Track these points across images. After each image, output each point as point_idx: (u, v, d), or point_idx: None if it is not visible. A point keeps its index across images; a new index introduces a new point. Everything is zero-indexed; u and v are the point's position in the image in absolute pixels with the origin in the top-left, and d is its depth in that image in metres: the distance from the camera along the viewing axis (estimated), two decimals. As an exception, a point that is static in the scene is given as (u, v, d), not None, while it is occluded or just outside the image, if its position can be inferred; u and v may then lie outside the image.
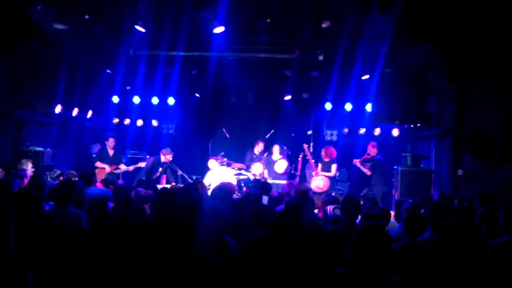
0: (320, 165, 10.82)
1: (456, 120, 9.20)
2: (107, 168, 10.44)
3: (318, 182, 10.51)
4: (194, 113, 14.42)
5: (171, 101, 13.38)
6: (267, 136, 12.59)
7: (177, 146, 12.72)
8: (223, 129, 12.93)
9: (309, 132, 13.17)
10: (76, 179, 7.52)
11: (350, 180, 13.20)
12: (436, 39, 8.51)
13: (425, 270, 3.74)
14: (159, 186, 8.58)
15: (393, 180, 10.80)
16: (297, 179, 11.25)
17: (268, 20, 8.10)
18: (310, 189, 10.00)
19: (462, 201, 7.38)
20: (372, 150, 11.02)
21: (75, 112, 11.60)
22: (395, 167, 10.52)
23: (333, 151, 10.90)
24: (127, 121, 14.19)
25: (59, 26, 8.09)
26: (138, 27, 8.27)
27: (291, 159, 12.00)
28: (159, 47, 9.93)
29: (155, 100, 13.31)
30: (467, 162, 8.86)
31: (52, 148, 11.05)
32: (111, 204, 5.81)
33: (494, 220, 5.33)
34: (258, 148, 11.86)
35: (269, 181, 10.04)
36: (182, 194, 5.66)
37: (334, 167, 10.82)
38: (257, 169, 11.40)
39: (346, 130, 13.51)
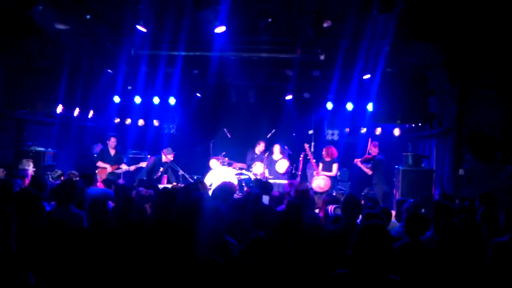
0: (321, 165, 10.82)
1: (457, 120, 9.20)
2: (109, 168, 10.45)
3: (319, 181, 10.50)
4: (195, 113, 14.44)
5: (172, 101, 13.38)
6: (268, 136, 12.61)
7: (178, 146, 12.72)
8: (224, 129, 12.94)
9: (310, 132, 13.18)
10: (77, 179, 7.52)
11: (351, 180, 13.21)
12: (436, 39, 8.51)
13: (426, 270, 3.74)
14: (160, 186, 8.59)
15: (394, 179, 10.80)
16: (298, 179, 11.25)
17: (269, 20, 8.11)
18: (311, 188, 10.02)
19: (463, 201, 7.38)
20: (373, 150, 11.02)
21: (76, 112, 11.62)
22: (396, 166, 10.52)
23: (334, 151, 10.90)
24: (128, 121, 14.23)
25: (61, 26, 8.09)
26: (139, 27, 8.27)
27: (292, 159, 12.00)
28: (160, 47, 9.93)
29: (156, 100, 13.32)
30: (468, 162, 8.86)
31: (54, 148, 11.05)
32: (112, 204, 5.83)
33: (495, 220, 5.33)
34: (259, 147, 11.88)
35: (270, 180, 10.04)
36: (183, 194, 5.67)
37: (335, 166, 10.82)
38: (258, 169, 11.41)
39: (347, 129, 13.52)
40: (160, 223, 4.43)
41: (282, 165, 11.54)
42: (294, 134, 13.97)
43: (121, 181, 9.24)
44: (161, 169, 10.98)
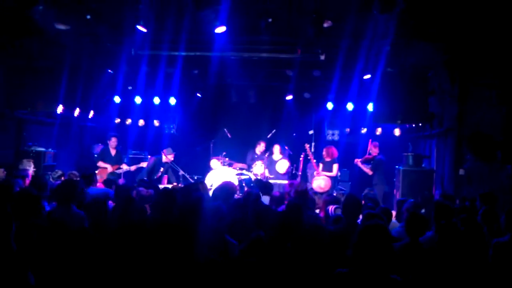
0: (321, 165, 10.81)
1: (458, 120, 9.20)
2: (109, 168, 10.46)
3: (320, 182, 10.50)
4: (195, 113, 14.44)
5: (172, 101, 13.38)
6: (268, 136, 12.60)
7: (179, 146, 12.71)
8: (225, 129, 12.93)
9: (311, 132, 13.16)
10: (78, 179, 7.52)
11: (352, 180, 13.21)
12: (437, 39, 8.51)
13: (426, 270, 3.74)
14: (161, 186, 8.59)
15: (394, 179, 10.81)
16: (298, 179, 11.25)
17: (270, 20, 8.10)
18: (312, 188, 10.03)
19: (463, 201, 7.38)
20: (373, 150, 11.02)
21: (76, 112, 11.61)
22: (397, 166, 10.52)
23: (335, 151, 10.90)
24: (128, 121, 14.23)
25: (61, 26, 8.08)
26: (139, 27, 8.27)
27: (293, 159, 11.99)
28: (161, 47, 9.93)
29: (156, 100, 13.31)
30: (468, 162, 8.86)
31: (54, 148, 11.06)
32: (112, 204, 5.83)
33: (496, 220, 5.33)
34: (260, 148, 11.88)
35: (271, 181, 10.04)
36: (183, 194, 5.67)
37: (335, 167, 10.82)
38: (259, 169, 11.41)
39: (347, 129, 13.52)
40: (160, 223, 4.44)
41: (282, 165, 11.54)
42: (294, 134, 13.96)
43: (121, 181, 9.25)
44: (162, 169, 10.98)
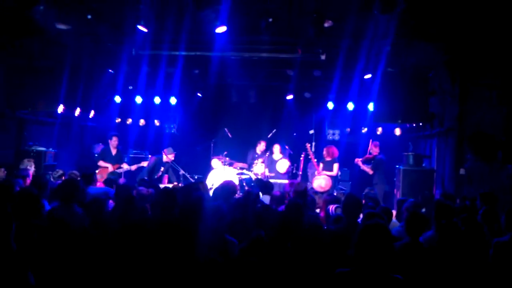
0: (322, 165, 10.80)
1: (458, 120, 9.20)
2: (110, 167, 10.46)
3: (320, 181, 10.50)
4: (196, 112, 14.46)
5: (173, 100, 13.39)
6: (269, 136, 12.61)
7: (179, 145, 12.72)
8: (225, 129, 12.93)
9: (311, 132, 13.17)
10: (78, 179, 7.53)
11: (352, 180, 13.21)
12: (437, 39, 8.50)
13: (426, 270, 3.74)
14: (161, 186, 8.59)
15: (395, 179, 10.80)
16: (299, 179, 11.26)
17: (270, 20, 8.09)
18: (312, 188, 10.03)
19: (464, 200, 7.37)
20: (374, 150, 11.02)
21: (77, 112, 11.61)
22: (397, 166, 10.52)
23: (335, 151, 10.90)
24: (129, 121, 14.24)
25: (62, 26, 8.09)
26: (140, 27, 8.27)
27: (293, 159, 12.00)
28: (161, 47, 9.94)
29: (157, 100, 13.33)
30: (469, 161, 8.86)
31: (55, 148, 11.05)
32: (112, 203, 5.83)
33: (496, 220, 5.33)
34: (260, 147, 11.89)
35: (271, 180, 10.04)
36: (184, 193, 5.67)
37: (336, 166, 10.82)
38: (259, 169, 11.42)
39: (348, 129, 13.52)
40: (160, 222, 4.44)
41: (283, 165, 11.55)
42: (295, 134, 13.96)
43: (122, 180, 9.25)
44: (162, 168, 10.98)
